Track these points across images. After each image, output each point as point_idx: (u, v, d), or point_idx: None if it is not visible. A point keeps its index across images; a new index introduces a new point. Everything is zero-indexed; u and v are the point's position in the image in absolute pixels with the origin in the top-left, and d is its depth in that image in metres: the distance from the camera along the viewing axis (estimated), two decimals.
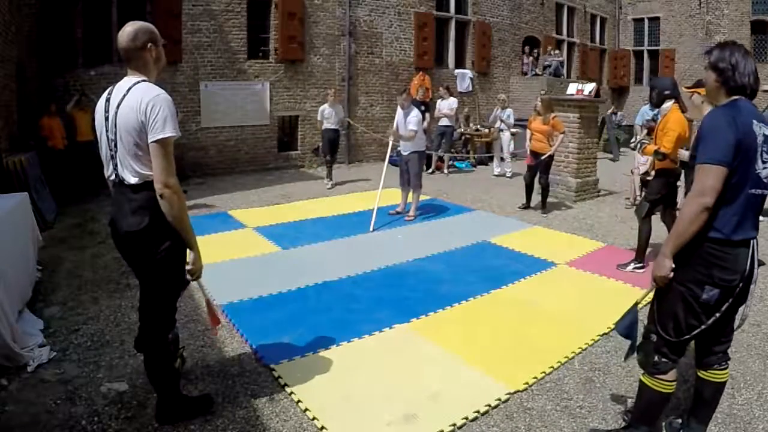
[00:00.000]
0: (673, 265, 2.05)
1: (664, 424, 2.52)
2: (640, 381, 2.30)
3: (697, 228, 1.97)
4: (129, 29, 2.18)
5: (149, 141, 2.09)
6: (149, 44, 2.20)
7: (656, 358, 2.20)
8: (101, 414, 2.57)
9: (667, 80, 4.95)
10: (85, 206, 6.97)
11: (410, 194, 6.69)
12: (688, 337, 2.13)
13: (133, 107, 2.08)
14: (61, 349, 3.20)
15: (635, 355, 2.33)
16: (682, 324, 2.11)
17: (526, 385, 2.90)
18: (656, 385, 2.22)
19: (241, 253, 5.12)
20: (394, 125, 6.67)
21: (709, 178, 1.93)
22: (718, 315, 2.06)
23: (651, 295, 2.29)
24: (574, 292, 4.29)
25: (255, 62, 9.97)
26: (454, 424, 2.53)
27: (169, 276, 2.28)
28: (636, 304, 2.35)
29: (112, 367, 3.01)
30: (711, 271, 2.01)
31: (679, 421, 2.47)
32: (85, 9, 8.28)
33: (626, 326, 2.32)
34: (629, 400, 2.76)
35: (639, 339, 2.31)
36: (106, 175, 2.26)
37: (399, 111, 6.55)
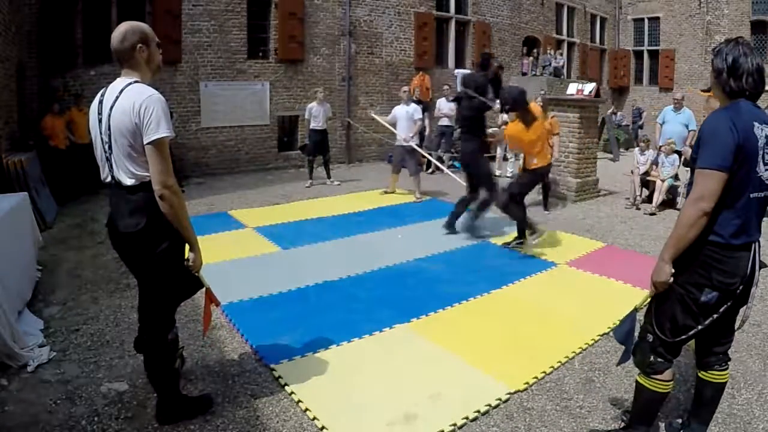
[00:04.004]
0: (673, 271, 2.04)
1: (664, 424, 2.52)
2: (637, 381, 2.30)
3: (696, 233, 1.96)
4: (118, 30, 2.17)
5: (144, 142, 2.08)
6: (139, 45, 2.18)
7: (652, 357, 2.20)
8: (101, 414, 2.57)
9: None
10: (85, 206, 6.97)
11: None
12: (684, 337, 2.13)
13: (126, 109, 2.07)
14: (61, 349, 3.20)
15: (629, 361, 2.32)
16: (679, 324, 2.11)
17: (526, 385, 2.90)
18: (653, 385, 2.22)
19: (241, 253, 5.12)
20: (392, 117, 7.73)
21: (708, 182, 1.92)
22: (715, 316, 2.06)
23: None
24: (574, 292, 4.28)
25: (255, 62, 9.97)
26: (454, 424, 2.53)
27: (166, 276, 2.28)
28: (635, 309, 2.35)
29: (112, 367, 3.01)
30: (710, 274, 2.00)
31: (680, 421, 2.47)
32: (85, 9, 8.28)
33: (623, 333, 2.32)
34: (629, 401, 2.76)
35: (634, 344, 2.31)
36: (102, 177, 2.25)
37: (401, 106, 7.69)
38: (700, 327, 2.08)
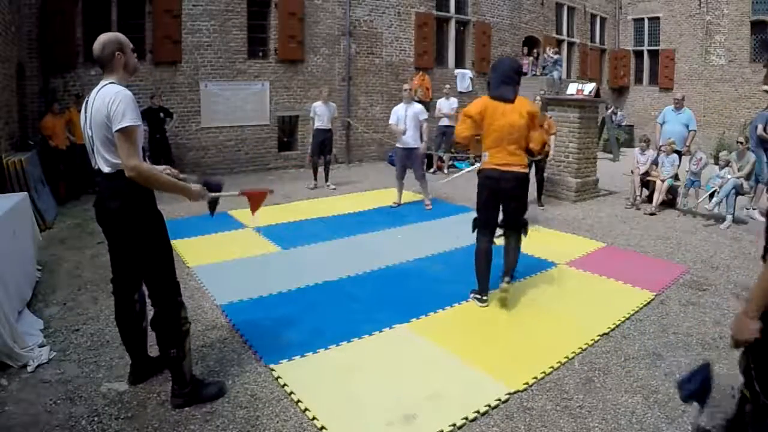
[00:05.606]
0: (760, 326, 1.63)
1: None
2: None
3: None
4: (99, 41, 2.49)
5: (113, 131, 2.34)
6: (117, 53, 2.48)
7: None
8: (101, 414, 2.57)
9: None
10: (85, 206, 6.95)
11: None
12: None
13: (99, 107, 2.37)
14: (61, 349, 3.20)
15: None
16: None
17: (526, 385, 2.90)
18: None
19: (241, 253, 5.12)
20: (395, 120, 7.07)
21: None
22: None
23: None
24: (574, 292, 4.28)
25: (255, 62, 9.97)
26: (454, 424, 2.53)
27: (147, 247, 2.53)
28: (708, 365, 1.95)
29: (112, 367, 3.01)
30: None
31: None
32: (85, 9, 8.27)
33: (691, 391, 1.94)
34: (629, 400, 2.76)
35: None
36: (92, 166, 2.52)
37: (401, 105, 7.11)
38: None
